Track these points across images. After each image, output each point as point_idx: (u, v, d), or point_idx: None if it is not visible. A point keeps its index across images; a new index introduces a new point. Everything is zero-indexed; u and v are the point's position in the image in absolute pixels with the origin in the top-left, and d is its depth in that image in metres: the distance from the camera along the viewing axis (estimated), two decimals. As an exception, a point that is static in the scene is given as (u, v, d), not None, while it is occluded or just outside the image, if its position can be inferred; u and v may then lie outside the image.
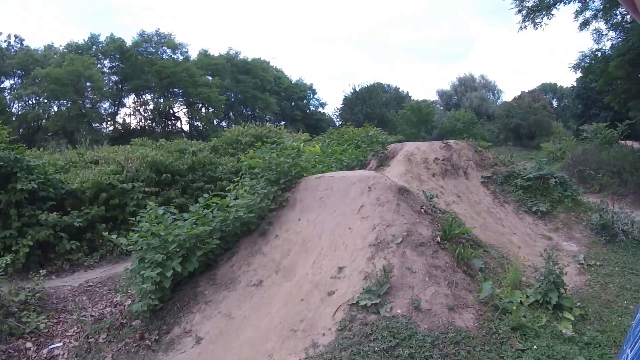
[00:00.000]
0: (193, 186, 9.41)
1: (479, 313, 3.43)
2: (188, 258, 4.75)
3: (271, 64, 43.63)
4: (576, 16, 13.30)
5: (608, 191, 10.56)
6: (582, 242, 5.77)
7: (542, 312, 3.65)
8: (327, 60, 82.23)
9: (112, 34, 33.86)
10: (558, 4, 10.57)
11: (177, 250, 4.71)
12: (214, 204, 5.37)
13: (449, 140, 8.23)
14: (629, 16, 12.60)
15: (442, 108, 43.56)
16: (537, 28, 10.67)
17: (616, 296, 4.26)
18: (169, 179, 8.97)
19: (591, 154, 13.29)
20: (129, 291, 5.17)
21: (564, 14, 65.85)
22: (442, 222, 4.51)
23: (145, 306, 4.45)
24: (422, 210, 4.57)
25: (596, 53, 12.85)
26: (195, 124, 38.75)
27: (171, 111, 37.59)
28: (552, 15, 10.62)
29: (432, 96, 47.54)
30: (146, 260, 4.59)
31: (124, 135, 29.45)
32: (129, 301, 4.98)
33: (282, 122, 35.98)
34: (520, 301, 3.68)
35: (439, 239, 4.15)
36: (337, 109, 45.38)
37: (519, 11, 10.69)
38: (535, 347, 3.10)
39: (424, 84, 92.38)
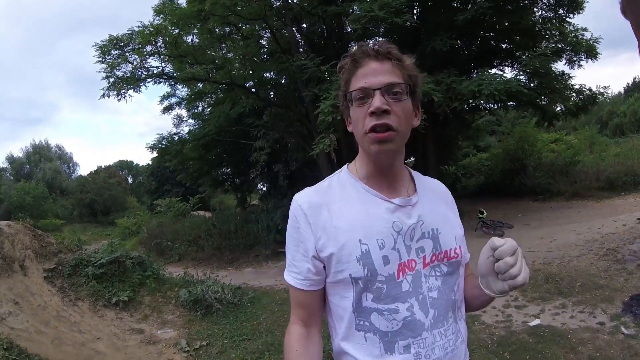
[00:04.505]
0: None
1: None
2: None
3: None
4: (162, 100, 14.40)
5: (187, 259, 11.31)
6: (177, 324, 5.27)
7: None
8: None
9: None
10: (149, 80, 10.85)
11: None
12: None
13: (-1, 222, 5.79)
14: (208, 108, 15.17)
15: (11, 178, 35.30)
16: (120, 99, 10.41)
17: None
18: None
19: (166, 226, 14.11)
20: None
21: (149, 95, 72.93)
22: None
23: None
24: None
25: (174, 136, 14.29)
26: None
27: None
28: (140, 90, 10.85)
29: (0, 162, 37.97)
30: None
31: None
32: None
33: None
34: None
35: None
36: None
37: (107, 77, 10.15)
38: None
39: None
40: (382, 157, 0.92)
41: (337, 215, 0.92)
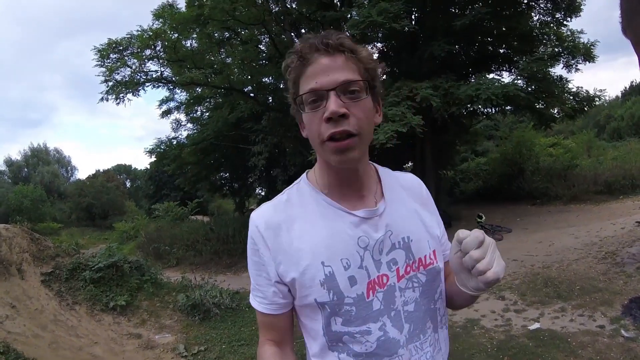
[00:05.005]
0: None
1: None
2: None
3: None
4: (161, 104, 14.40)
5: (185, 263, 11.26)
6: (175, 329, 5.24)
7: None
8: None
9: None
10: (147, 84, 10.87)
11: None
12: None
13: (-7, 225, 5.78)
14: (207, 113, 15.15)
15: (9, 181, 35.70)
16: (119, 103, 10.42)
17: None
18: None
19: (164, 231, 14.05)
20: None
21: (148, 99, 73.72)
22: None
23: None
24: None
25: (172, 140, 14.28)
26: None
27: None
28: (139, 94, 10.88)
29: (-1, 165, 38.22)
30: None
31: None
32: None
33: None
34: None
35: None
36: None
37: (105, 81, 10.21)
38: None
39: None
40: (345, 166, 0.82)
41: (297, 236, 0.84)
